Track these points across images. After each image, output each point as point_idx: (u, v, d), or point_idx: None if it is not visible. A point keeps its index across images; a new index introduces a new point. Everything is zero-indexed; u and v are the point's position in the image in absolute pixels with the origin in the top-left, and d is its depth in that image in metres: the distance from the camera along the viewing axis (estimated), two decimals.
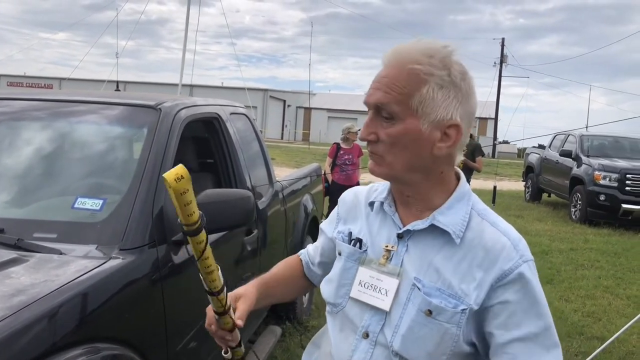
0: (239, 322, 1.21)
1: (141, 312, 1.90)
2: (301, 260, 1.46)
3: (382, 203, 1.20)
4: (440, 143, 1.08)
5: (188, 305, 2.29)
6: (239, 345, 1.28)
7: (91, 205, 2.02)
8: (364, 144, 1.16)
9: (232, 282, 1.38)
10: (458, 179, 1.17)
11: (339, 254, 1.24)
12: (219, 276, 1.15)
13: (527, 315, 1.06)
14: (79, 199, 2.05)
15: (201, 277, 1.14)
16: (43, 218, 2.08)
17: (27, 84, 48.49)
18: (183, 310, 2.16)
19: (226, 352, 1.28)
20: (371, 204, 1.23)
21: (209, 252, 1.10)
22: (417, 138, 1.07)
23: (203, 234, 1.07)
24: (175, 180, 0.96)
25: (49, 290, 1.54)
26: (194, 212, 1.02)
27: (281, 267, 1.44)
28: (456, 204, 1.13)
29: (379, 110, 1.08)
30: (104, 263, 1.77)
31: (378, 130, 1.09)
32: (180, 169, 0.97)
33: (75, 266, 1.71)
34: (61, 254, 1.80)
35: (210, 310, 1.21)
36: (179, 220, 1.04)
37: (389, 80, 1.07)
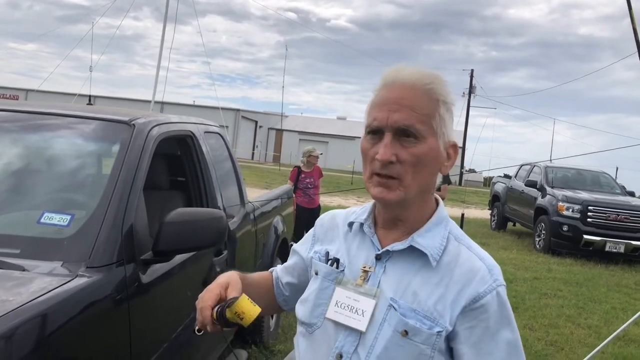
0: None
1: (106, 332, 1.83)
2: (272, 276, 1.44)
3: (361, 224, 1.21)
4: (446, 162, 1.14)
5: (155, 325, 2.23)
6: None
7: (58, 221, 1.96)
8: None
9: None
10: (437, 203, 1.20)
11: (316, 273, 1.23)
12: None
13: (496, 336, 1.07)
14: (46, 214, 1.99)
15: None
16: (6, 232, 2.00)
17: None
18: (149, 330, 2.10)
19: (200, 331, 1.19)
20: (350, 225, 1.23)
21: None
22: (436, 157, 1.11)
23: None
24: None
25: (8, 310, 1.47)
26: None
27: (257, 275, 1.41)
28: (434, 227, 1.15)
29: (399, 131, 1.08)
30: (69, 281, 1.71)
31: (399, 152, 1.08)
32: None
33: (39, 284, 1.65)
34: (24, 270, 1.73)
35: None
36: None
37: (409, 100, 1.09)
